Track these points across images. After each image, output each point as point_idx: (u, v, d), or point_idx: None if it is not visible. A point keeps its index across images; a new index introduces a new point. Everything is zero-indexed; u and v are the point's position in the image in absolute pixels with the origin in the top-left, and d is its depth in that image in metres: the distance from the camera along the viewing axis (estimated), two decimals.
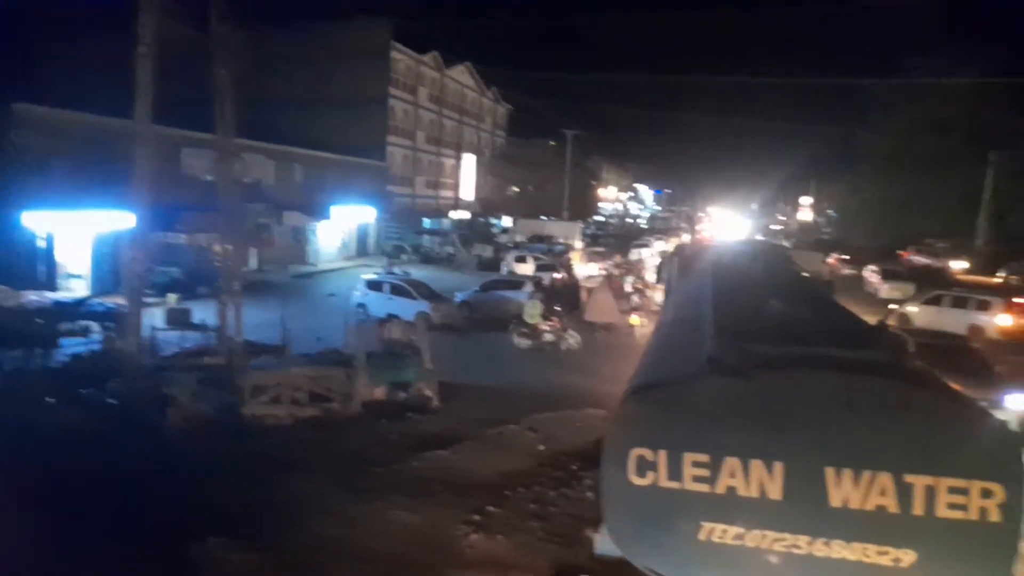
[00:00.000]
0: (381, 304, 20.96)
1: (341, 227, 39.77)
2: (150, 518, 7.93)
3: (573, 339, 19.25)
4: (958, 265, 39.18)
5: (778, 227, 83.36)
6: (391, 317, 15.93)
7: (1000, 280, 34.85)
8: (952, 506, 3.82)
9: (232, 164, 14.16)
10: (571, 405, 13.15)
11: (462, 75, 58.29)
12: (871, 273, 31.56)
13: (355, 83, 43.66)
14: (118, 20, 13.33)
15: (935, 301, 21.86)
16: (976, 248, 42.67)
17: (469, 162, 57.16)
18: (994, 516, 3.78)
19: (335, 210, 37.66)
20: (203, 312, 15.16)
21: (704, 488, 4.10)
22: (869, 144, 46.49)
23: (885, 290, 28.22)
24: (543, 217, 55.39)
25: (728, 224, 68.43)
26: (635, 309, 22.10)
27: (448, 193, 56.32)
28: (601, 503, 4.47)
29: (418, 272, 29.25)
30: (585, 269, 32.56)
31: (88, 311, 14.88)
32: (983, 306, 21.08)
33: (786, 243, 58.24)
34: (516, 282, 24.54)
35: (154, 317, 15.06)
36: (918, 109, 42.95)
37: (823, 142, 57.69)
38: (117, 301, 15.29)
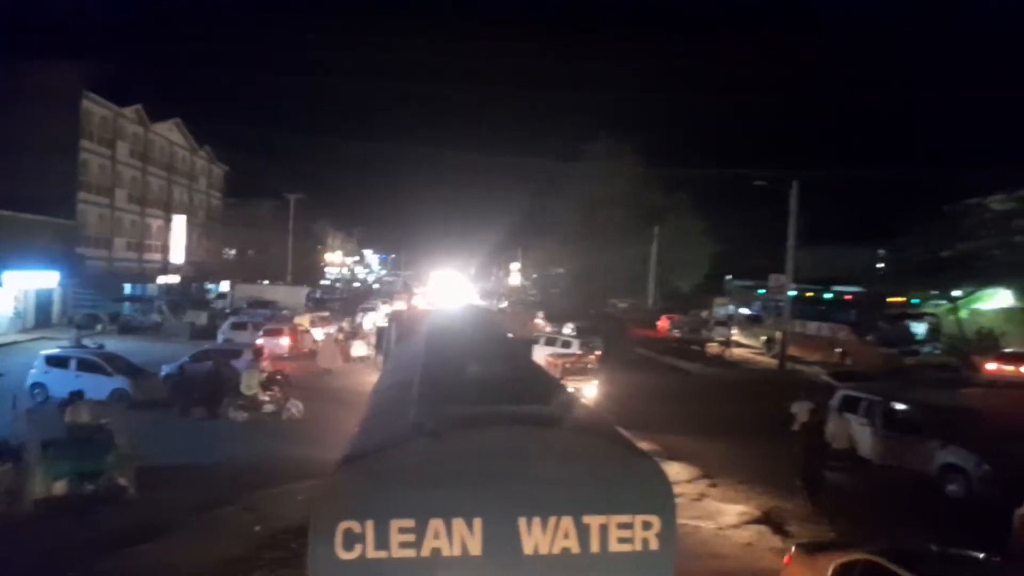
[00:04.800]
0: (65, 382, 18.16)
1: (14, 294, 34.04)
2: None
3: (295, 408, 18.56)
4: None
5: (492, 290, 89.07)
6: (76, 397, 13.94)
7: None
8: (622, 540, 4.28)
9: None
10: (293, 478, 12.65)
11: (170, 131, 54.25)
12: (567, 329, 35.24)
13: (38, 133, 38.30)
14: None
15: (539, 341, 27.67)
16: (647, 307, 50.13)
17: (180, 223, 52.84)
18: (653, 545, 4.29)
19: (6, 276, 32.20)
20: None
21: (411, 553, 4.13)
22: (557, 216, 52.98)
23: (577, 344, 31.71)
24: (265, 281, 52.94)
25: (449, 288, 71.30)
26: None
27: (155, 256, 51.35)
28: None
29: (116, 344, 26.12)
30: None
31: None
32: (565, 344, 27.25)
33: (501, 305, 62.45)
34: (233, 351, 23.03)
35: None
36: (595, 187, 50.16)
37: (527, 214, 63.93)
38: None
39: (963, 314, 34.76)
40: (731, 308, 44.34)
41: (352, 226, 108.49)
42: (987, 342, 31.35)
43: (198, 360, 21.67)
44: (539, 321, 42.08)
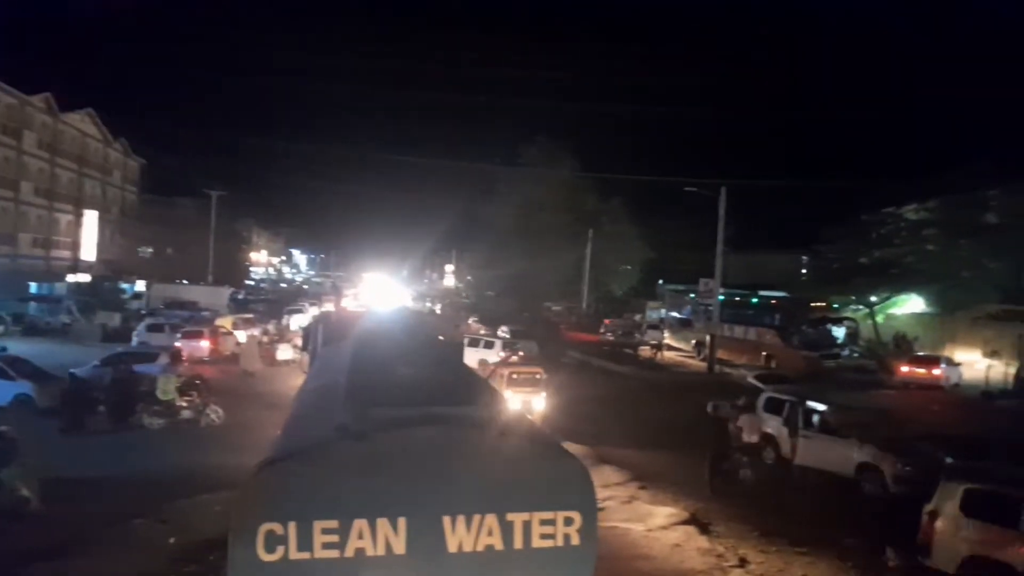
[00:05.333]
0: None
1: None
2: None
3: (215, 414, 17.86)
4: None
5: (426, 292, 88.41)
6: None
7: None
8: (544, 536, 4.35)
9: None
10: (210, 488, 12.10)
11: (82, 122, 51.68)
12: (502, 332, 35.26)
13: None
14: None
15: (468, 343, 28.80)
16: (582, 310, 50.67)
17: (91, 219, 50.31)
18: (575, 540, 4.39)
19: None
20: None
21: (334, 554, 4.10)
22: (493, 219, 52.99)
23: (500, 346, 31.79)
24: (184, 281, 50.99)
25: (380, 290, 70.34)
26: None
27: (64, 253, 48.77)
28: None
29: (20, 347, 24.61)
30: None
31: None
32: (488, 345, 28.49)
33: (435, 308, 61.94)
34: (148, 354, 22.00)
35: None
36: (531, 190, 50.44)
37: (461, 216, 63.90)
38: None
39: (879, 319, 36.47)
40: (663, 312, 45.23)
41: (279, 225, 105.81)
42: (902, 346, 32.95)
43: (110, 364, 20.56)
44: (473, 324, 41.95)
